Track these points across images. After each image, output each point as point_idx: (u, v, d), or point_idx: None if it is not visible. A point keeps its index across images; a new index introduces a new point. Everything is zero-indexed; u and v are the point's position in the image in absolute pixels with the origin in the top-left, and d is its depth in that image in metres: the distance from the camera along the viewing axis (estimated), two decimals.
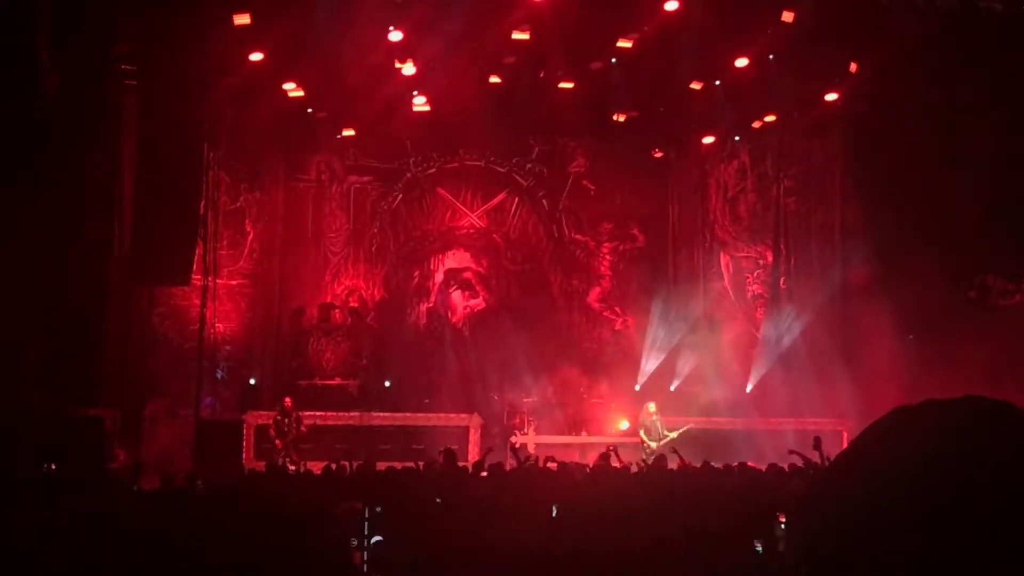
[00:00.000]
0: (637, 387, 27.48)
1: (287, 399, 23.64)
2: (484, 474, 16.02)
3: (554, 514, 11.74)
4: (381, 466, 17.00)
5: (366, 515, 10.89)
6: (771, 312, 29.11)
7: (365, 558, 11.10)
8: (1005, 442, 1.86)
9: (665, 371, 28.34)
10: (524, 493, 12.19)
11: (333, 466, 17.04)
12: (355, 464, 16.95)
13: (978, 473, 1.80)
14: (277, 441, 22.84)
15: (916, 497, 1.79)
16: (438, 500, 11.07)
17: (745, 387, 27.94)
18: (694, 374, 28.34)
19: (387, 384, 26.97)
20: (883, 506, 1.80)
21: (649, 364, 28.35)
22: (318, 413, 24.59)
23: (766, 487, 13.05)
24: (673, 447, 20.85)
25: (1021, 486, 1.77)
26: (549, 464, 17.17)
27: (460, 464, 18.25)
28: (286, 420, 23.03)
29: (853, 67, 25.17)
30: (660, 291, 29.46)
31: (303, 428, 23.10)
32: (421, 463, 16.69)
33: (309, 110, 26.29)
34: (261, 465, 20.04)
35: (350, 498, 11.59)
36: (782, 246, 29.26)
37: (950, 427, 1.92)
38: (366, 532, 11.09)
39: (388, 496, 11.50)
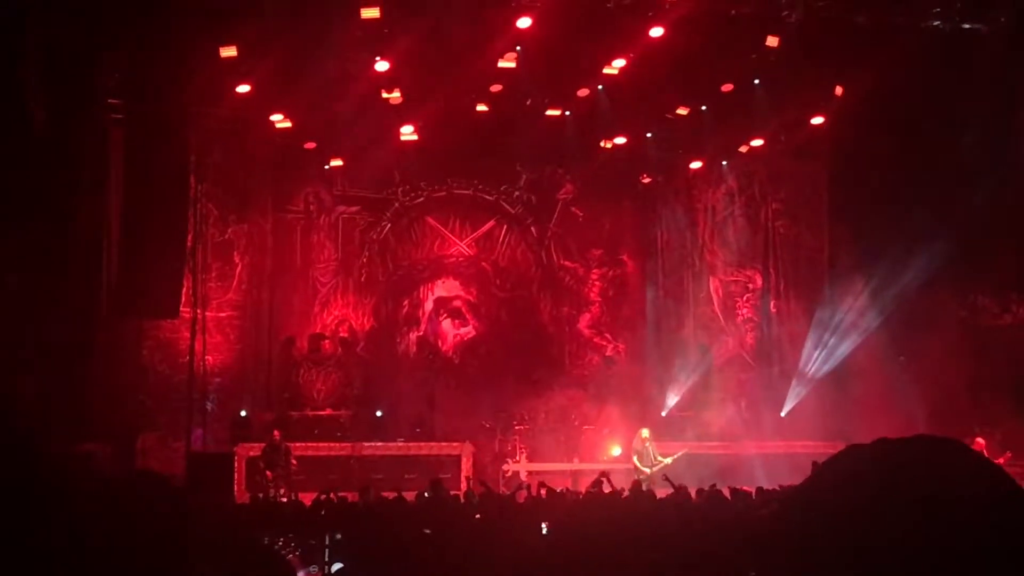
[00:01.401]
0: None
1: (276, 432, 23.60)
2: (475, 502, 15.99)
3: (544, 531, 11.72)
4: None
5: (327, 543, 10.82)
6: (760, 335, 29.15)
7: None
8: (948, 479, 1.92)
9: (658, 397, 28.34)
10: (514, 521, 12.16)
11: (323, 497, 16.97)
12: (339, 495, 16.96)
13: (922, 508, 1.86)
14: (268, 472, 22.80)
15: (864, 529, 1.83)
16: (427, 531, 11.02)
17: (737, 411, 27.93)
18: (686, 399, 28.34)
19: (378, 414, 26.88)
20: (835, 539, 1.85)
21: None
22: (310, 444, 24.55)
23: (756, 511, 13.02)
24: (665, 474, 20.77)
25: (961, 519, 1.82)
26: (541, 491, 17.15)
27: (453, 493, 18.21)
28: (275, 453, 22.99)
29: (839, 90, 25.27)
30: (649, 317, 29.50)
31: (293, 461, 23.04)
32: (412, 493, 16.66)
33: (296, 141, 26.30)
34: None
35: (335, 528, 11.52)
36: (771, 269, 29.33)
37: (898, 465, 1.98)
38: (327, 559, 11.04)
39: (373, 526, 11.47)
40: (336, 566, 10.86)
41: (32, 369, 21.42)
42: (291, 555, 11.01)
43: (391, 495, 16.65)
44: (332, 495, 17.10)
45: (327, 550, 10.86)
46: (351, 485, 19.27)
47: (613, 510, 14.40)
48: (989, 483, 1.98)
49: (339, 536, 10.89)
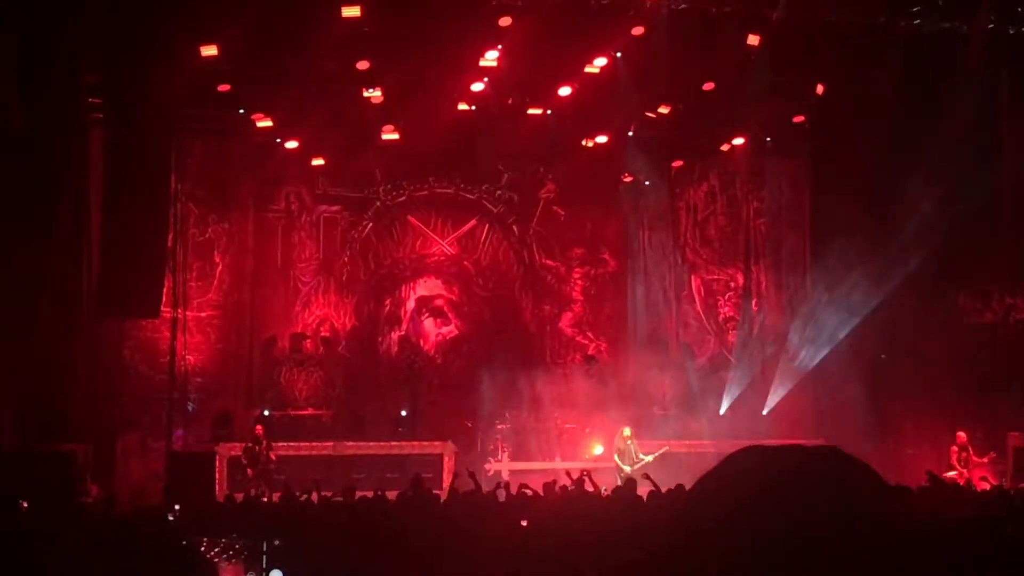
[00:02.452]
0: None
1: (258, 427, 23.60)
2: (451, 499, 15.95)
3: (524, 524, 11.70)
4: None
5: (264, 549, 10.70)
6: (742, 334, 29.16)
7: None
8: (824, 483, 2.03)
9: (641, 395, 28.32)
10: (493, 518, 12.15)
11: (302, 496, 16.92)
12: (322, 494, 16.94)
13: (799, 509, 1.94)
14: (248, 470, 22.78)
15: (745, 528, 1.91)
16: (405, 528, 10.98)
17: (719, 409, 27.95)
18: (668, 397, 28.35)
19: (360, 414, 26.86)
20: (719, 530, 1.93)
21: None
22: (291, 444, 24.49)
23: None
24: (646, 473, 20.71)
25: (834, 519, 1.91)
26: (523, 491, 17.11)
27: (435, 492, 18.18)
28: (257, 448, 22.97)
29: (820, 89, 25.31)
30: (632, 315, 29.49)
31: (272, 456, 23.01)
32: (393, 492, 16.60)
33: (277, 140, 26.26)
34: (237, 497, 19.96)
35: (315, 527, 11.44)
36: (753, 268, 29.34)
37: (778, 469, 2.08)
38: (264, 566, 10.92)
39: (356, 525, 11.44)
40: (274, 573, 10.73)
41: (12, 370, 21.37)
42: (232, 560, 10.90)
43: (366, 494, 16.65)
44: (314, 494, 17.09)
45: (264, 556, 10.75)
46: (332, 484, 19.21)
47: (593, 508, 14.42)
48: (865, 488, 2.09)
49: (277, 542, 10.78)
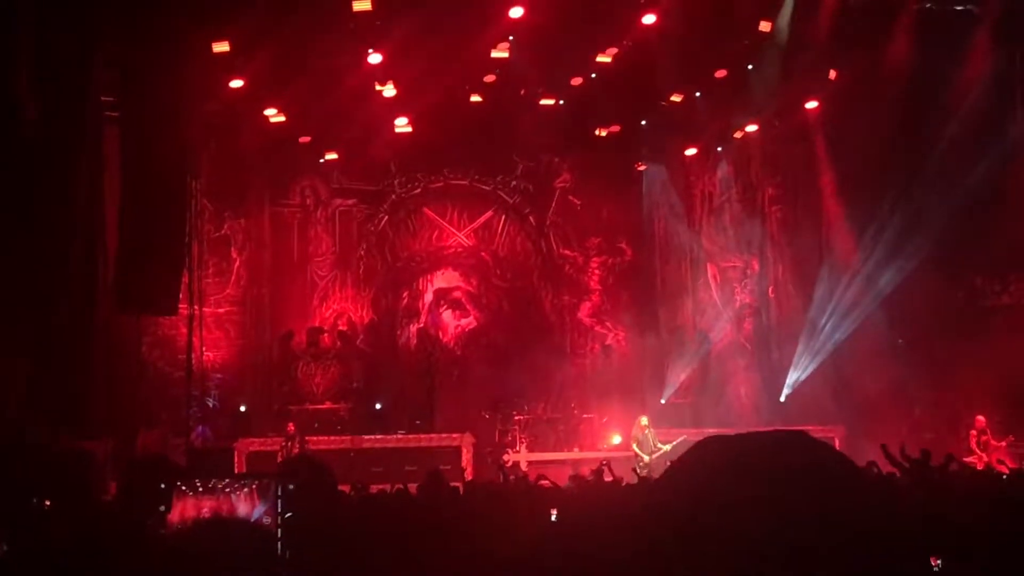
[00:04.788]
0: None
1: (290, 425, 23.66)
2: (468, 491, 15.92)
3: (553, 518, 11.67)
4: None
5: (279, 492, 10.64)
6: (759, 321, 29.11)
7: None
8: (793, 470, 2.06)
9: (656, 384, 28.35)
10: (513, 510, 12.14)
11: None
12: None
13: (765, 497, 1.98)
14: None
15: (713, 518, 1.95)
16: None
17: (737, 397, 27.93)
18: (685, 386, 28.37)
19: (378, 406, 26.91)
20: (685, 519, 1.97)
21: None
22: (309, 437, 24.54)
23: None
24: (671, 460, 20.67)
25: (801, 507, 1.94)
26: (541, 482, 17.07)
27: (454, 484, 18.16)
28: (289, 444, 23.02)
29: (832, 74, 25.25)
30: (650, 304, 29.51)
31: (308, 447, 23.00)
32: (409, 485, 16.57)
33: (291, 135, 26.28)
34: None
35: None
36: (768, 254, 29.27)
37: (746, 458, 2.11)
38: (280, 509, 10.87)
39: (372, 517, 11.45)
40: (288, 515, 10.70)
41: (31, 367, 21.43)
42: (244, 493, 10.84)
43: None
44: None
45: (279, 500, 10.72)
46: (351, 478, 19.22)
47: (613, 497, 14.39)
48: (831, 473, 2.13)
49: (292, 486, 10.76)
